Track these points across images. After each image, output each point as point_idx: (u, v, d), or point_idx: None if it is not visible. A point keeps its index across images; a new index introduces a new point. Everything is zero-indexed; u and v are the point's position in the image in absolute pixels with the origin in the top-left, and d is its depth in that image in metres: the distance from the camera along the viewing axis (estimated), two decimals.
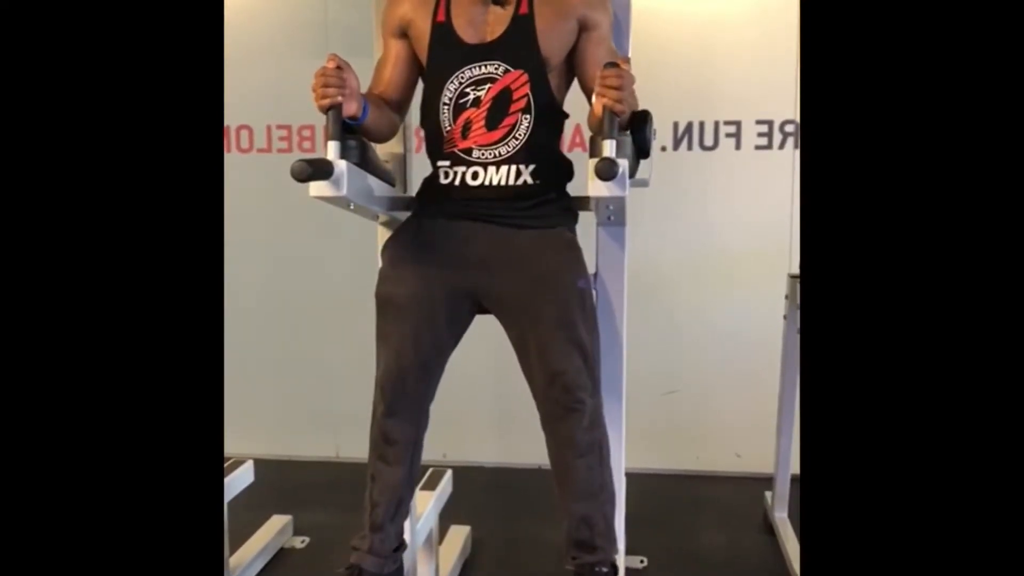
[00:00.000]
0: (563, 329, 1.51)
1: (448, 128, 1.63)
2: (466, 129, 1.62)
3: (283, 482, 2.98)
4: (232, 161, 3.11)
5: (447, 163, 1.65)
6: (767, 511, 2.64)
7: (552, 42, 1.61)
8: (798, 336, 2.11)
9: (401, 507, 1.65)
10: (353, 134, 1.51)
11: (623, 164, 1.34)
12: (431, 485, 2.16)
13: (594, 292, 1.66)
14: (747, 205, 2.98)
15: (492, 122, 1.61)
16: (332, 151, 1.41)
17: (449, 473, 2.30)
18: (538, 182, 1.63)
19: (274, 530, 2.47)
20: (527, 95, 1.60)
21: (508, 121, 1.61)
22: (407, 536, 1.73)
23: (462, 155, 1.63)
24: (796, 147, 2.93)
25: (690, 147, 3.00)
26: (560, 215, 1.68)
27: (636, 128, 1.47)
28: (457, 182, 1.64)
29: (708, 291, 3.05)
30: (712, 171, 3.00)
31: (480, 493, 2.91)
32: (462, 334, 1.66)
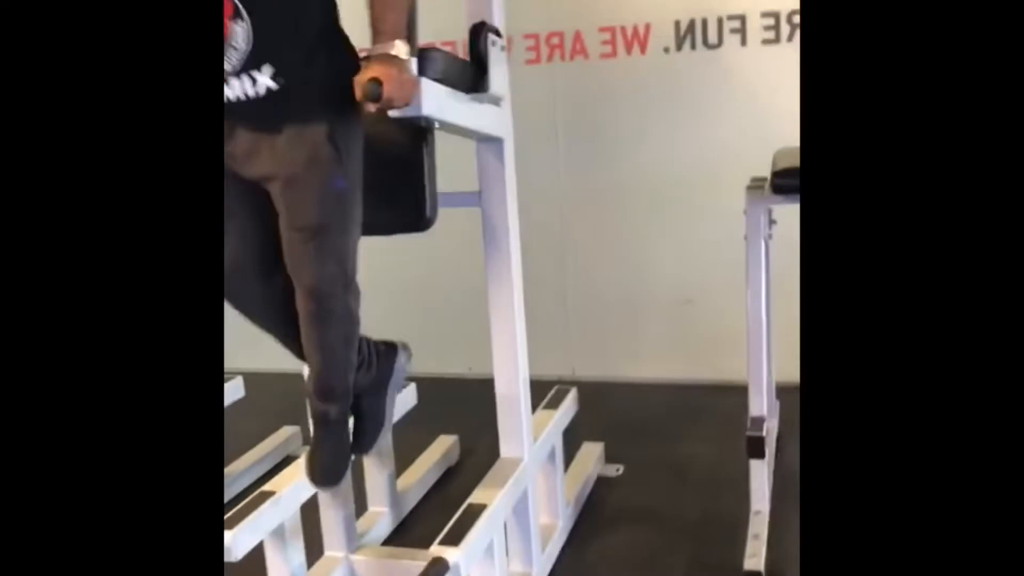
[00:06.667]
0: (316, 237, 1.45)
1: None
2: None
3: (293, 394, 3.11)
4: None
5: None
6: None
7: None
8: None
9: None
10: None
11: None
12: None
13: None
14: (757, 104, 2.83)
15: None
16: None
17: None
18: (284, 82, 1.38)
19: (281, 439, 2.67)
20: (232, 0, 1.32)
21: None
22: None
23: None
24: None
25: (693, 46, 2.87)
26: (321, 105, 1.42)
27: (470, 43, 1.44)
28: None
29: (722, 197, 2.91)
30: (719, 71, 2.86)
31: None
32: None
